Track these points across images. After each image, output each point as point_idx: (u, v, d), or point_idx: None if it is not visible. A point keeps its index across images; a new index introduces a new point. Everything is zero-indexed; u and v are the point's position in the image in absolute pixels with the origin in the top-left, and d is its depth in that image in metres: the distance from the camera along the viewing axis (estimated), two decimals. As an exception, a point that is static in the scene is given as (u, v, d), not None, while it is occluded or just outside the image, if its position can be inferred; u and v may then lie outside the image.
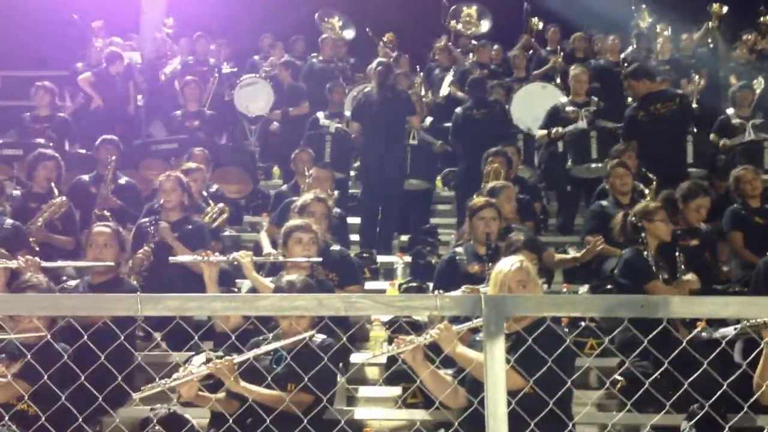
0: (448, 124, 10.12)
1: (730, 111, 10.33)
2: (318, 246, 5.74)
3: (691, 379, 3.23)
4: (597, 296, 5.39)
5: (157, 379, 4.24)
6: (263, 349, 4.45)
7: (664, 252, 6.29)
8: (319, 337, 4.70)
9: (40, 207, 7.51)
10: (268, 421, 3.51)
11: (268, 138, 11.84)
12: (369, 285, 7.49)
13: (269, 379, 4.24)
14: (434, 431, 5.08)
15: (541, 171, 10.33)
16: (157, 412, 5.00)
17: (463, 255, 6.30)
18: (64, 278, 6.48)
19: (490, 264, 5.44)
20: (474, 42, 13.47)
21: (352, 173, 10.50)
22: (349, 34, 13.84)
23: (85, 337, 3.06)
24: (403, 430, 5.52)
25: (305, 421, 3.54)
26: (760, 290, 6.12)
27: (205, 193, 8.21)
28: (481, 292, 5.02)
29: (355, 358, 6.04)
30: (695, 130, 9.64)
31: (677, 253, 6.33)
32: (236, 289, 6.86)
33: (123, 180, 8.50)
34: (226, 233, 8.66)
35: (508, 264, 4.32)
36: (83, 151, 10.09)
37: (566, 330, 5.48)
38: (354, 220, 9.19)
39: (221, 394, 4.66)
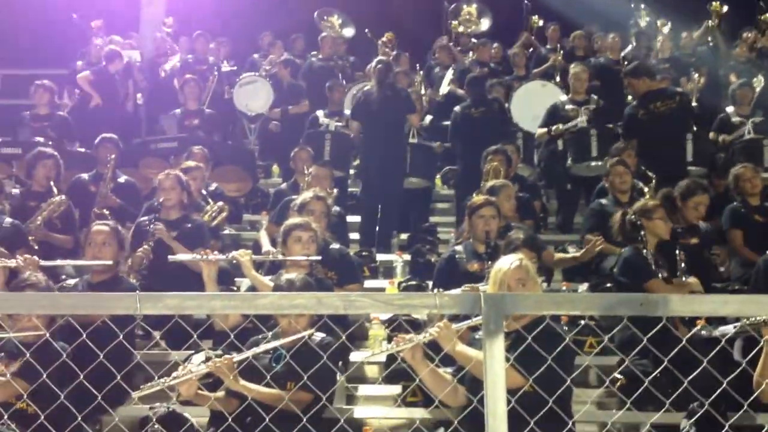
0: (448, 123, 10.11)
1: (729, 109, 10.33)
2: (317, 244, 5.74)
3: (691, 377, 3.23)
4: (596, 294, 5.40)
5: (156, 378, 4.24)
6: (262, 347, 4.45)
7: (663, 250, 6.28)
8: (319, 336, 4.70)
9: (40, 206, 7.50)
10: (267, 419, 3.51)
11: (268, 136, 11.83)
12: (368, 283, 7.49)
13: (268, 377, 4.24)
14: (434, 430, 5.08)
15: (540, 169, 10.32)
16: (157, 410, 5.00)
17: (462, 253, 6.30)
18: (64, 277, 6.48)
19: (490, 262, 5.44)
20: (474, 40, 13.46)
21: (352, 172, 10.49)
22: (349, 32, 13.83)
23: (84, 335, 3.06)
24: (402, 428, 5.52)
25: (304, 420, 3.54)
26: (759, 288, 6.12)
27: (204, 192, 8.20)
28: (480, 290, 5.02)
29: (355, 356, 6.04)
30: (695, 128, 9.64)
31: (677, 252, 6.33)
32: (235, 288, 6.87)
33: (122, 178, 8.49)
34: (226, 232, 8.65)
35: (507, 262, 4.32)
36: (83, 149, 10.08)
37: (566, 328, 5.48)
38: (353, 218, 9.19)
39: (220, 393, 4.66)
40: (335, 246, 6.37)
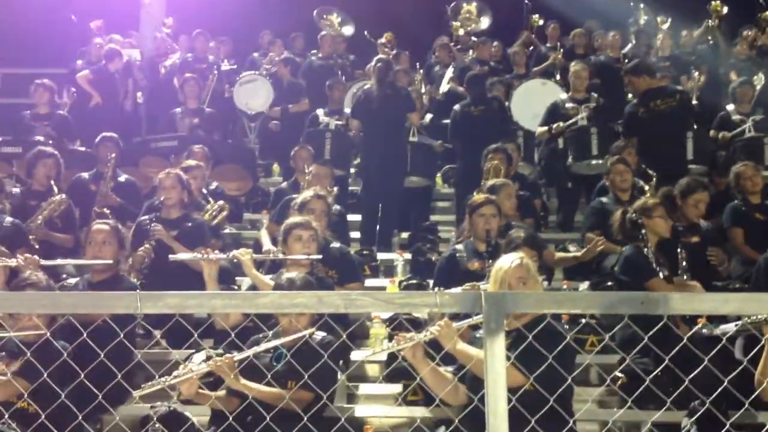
0: (448, 121, 10.11)
1: (730, 107, 10.33)
2: (318, 243, 5.74)
3: (692, 375, 3.22)
4: (597, 293, 5.39)
5: (157, 377, 4.24)
6: (263, 346, 4.45)
7: (664, 249, 6.28)
8: (319, 335, 4.69)
9: (40, 205, 7.50)
10: (268, 418, 3.51)
11: (268, 135, 11.83)
12: (369, 282, 7.48)
13: (269, 376, 4.24)
14: (434, 428, 5.07)
15: (541, 168, 10.32)
16: (158, 409, 4.99)
17: (463, 252, 6.30)
18: (64, 276, 6.48)
19: (490, 261, 5.44)
20: (474, 39, 13.45)
21: (352, 170, 10.48)
22: (348, 30, 13.82)
23: (85, 335, 3.05)
24: (403, 427, 5.51)
25: (305, 419, 3.54)
26: (760, 286, 6.11)
27: (204, 191, 8.20)
28: (481, 289, 5.02)
29: (356, 355, 6.04)
30: (695, 126, 9.63)
31: (678, 250, 6.32)
32: (236, 287, 6.86)
33: (123, 177, 8.49)
34: (226, 231, 8.65)
35: (508, 261, 4.32)
36: (83, 148, 10.08)
37: (566, 327, 5.47)
38: (354, 217, 9.19)
39: (221, 392, 4.66)
40: (336, 245, 6.37)
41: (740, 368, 3.59)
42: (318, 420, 4.20)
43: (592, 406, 5.52)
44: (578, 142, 9.35)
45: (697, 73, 11.38)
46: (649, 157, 8.40)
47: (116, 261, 5.92)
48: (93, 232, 5.91)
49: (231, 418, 3.75)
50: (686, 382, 3.21)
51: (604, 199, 7.78)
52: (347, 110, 10.43)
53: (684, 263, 6.25)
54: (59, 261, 6.39)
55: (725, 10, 12.73)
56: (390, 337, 5.93)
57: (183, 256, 5.89)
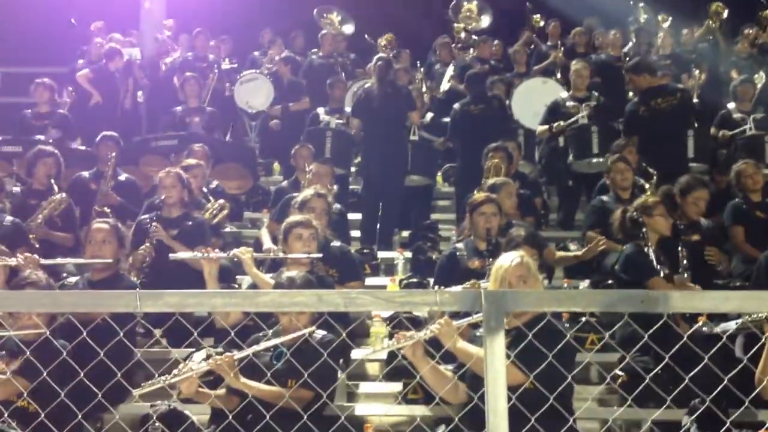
0: (448, 120, 10.10)
1: (731, 105, 10.32)
2: (318, 242, 5.74)
3: (692, 374, 3.22)
4: (597, 291, 5.39)
5: (157, 376, 4.23)
6: (263, 345, 4.45)
7: (664, 247, 6.27)
8: (320, 333, 4.69)
9: (40, 204, 7.50)
10: (268, 417, 3.51)
11: (269, 134, 11.82)
12: (369, 281, 7.48)
13: (269, 375, 4.24)
14: (435, 427, 5.07)
15: (541, 166, 10.32)
16: (158, 408, 4.99)
17: (463, 251, 6.29)
18: (65, 275, 6.48)
19: (491, 259, 5.44)
20: (474, 37, 13.45)
21: (353, 169, 10.48)
22: (349, 29, 13.81)
23: (84, 334, 3.05)
24: (403, 425, 5.51)
25: (305, 418, 3.54)
26: (761, 284, 6.10)
27: (205, 190, 8.20)
28: (481, 287, 5.02)
29: (356, 353, 6.04)
30: (696, 125, 9.62)
31: (679, 249, 6.32)
32: (236, 286, 6.86)
33: (123, 176, 8.49)
34: (227, 229, 8.65)
35: (508, 259, 4.31)
36: (83, 147, 10.08)
37: (567, 325, 5.48)
38: (355, 216, 9.19)
39: (221, 391, 4.66)
40: (336, 243, 6.37)
41: (740, 366, 3.59)
42: (318, 419, 4.20)
43: (593, 405, 5.52)
44: (579, 140, 9.34)
45: (697, 72, 11.37)
46: (650, 155, 8.40)
47: (116, 260, 5.92)
48: (93, 231, 5.91)
49: (231, 417, 3.75)
50: (686, 381, 3.21)
51: (604, 198, 7.77)
52: (348, 109, 10.42)
53: (684, 262, 6.24)
54: (59, 260, 6.40)
55: (725, 13, 12.73)
56: (390, 336, 5.93)
57: (183, 255, 5.89)
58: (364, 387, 6.03)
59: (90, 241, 5.89)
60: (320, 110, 10.53)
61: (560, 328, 4.13)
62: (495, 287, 4.24)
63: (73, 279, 6.06)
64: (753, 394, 3.58)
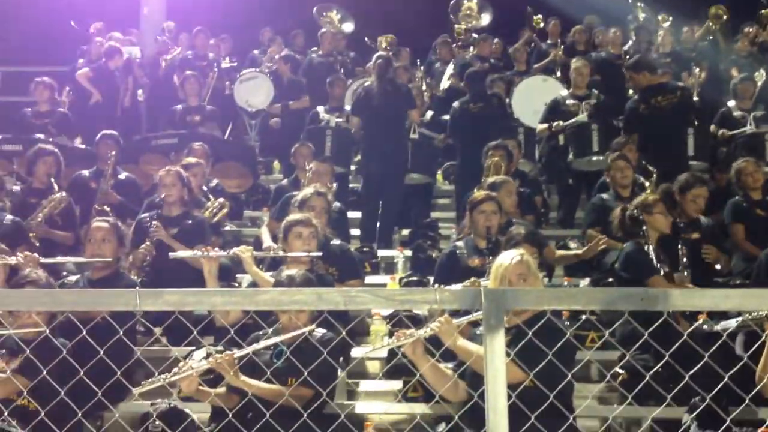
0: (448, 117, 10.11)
1: (731, 103, 10.31)
2: (318, 240, 5.74)
3: (692, 372, 3.22)
4: (597, 289, 5.39)
5: (157, 374, 4.23)
6: (263, 343, 4.45)
7: (664, 245, 6.27)
8: (320, 332, 4.69)
9: (40, 202, 7.50)
10: (267, 415, 3.51)
11: (268, 132, 11.82)
12: (369, 279, 7.49)
13: (269, 373, 4.24)
14: (435, 425, 5.07)
15: (541, 164, 10.31)
16: (158, 406, 4.99)
17: (463, 249, 6.29)
18: (65, 274, 6.48)
19: (491, 258, 5.44)
20: (474, 35, 13.44)
21: (353, 167, 10.48)
22: (348, 27, 13.80)
23: (84, 332, 3.05)
24: (403, 423, 5.51)
25: (305, 416, 3.54)
26: (761, 282, 6.10)
27: (205, 188, 8.19)
28: (481, 285, 5.01)
29: (356, 351, 6.04)
30: (696, 123, 9.62)
31: (679, 246, 6.31)
32: (237, 284, 6.86)
33: (123, 175, 8.49)
34: (227, 228, 8.65)
35: (508, 257, 4.31)
36: (83, 146, 10.08)
37: (567, 323, 5.47)
38: (354, 214, 9.18)
39: (221, 389, 4.66)
40: (336, 242, 6.37)
41: (741, 364, 3.58)
42: (318, 417, 4.20)
43: (593, 403, 5.52)
44: (579, 138, 9.34)
45: (697, 70, 11.36)
46: (650, 153, 8.40)
47: (116, 258, 5.92)
48: (92, 229, 5.91)
49: (231, 415, 3.75)
50: (686, 379, 3.21)
51: (604, 196, 7.77)
52: (348, 107, 10.42)
53: (684, 260, 6.24)
54: (59, 259, 6.40)
55: (725, 17, 12.73)
56: (390, 334, 5.92)
57: (183, 253, 5.88)
58: (364, 385, 6.03)
59: (90, 239, 5.88)
60: (320, 109, 10.52)
61: (560, 326, 4.14)
62: (495, 285, 4.24)
63: (73, 278, 6.06)
64: (753, 392, 3.57)
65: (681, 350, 3.19)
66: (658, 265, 6.04)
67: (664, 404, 3.58)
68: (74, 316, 3.15)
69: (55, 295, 3.03)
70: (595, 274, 7.19)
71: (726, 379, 3.16)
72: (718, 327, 5.29)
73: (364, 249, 8.30)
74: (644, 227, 6.18)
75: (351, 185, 10.21)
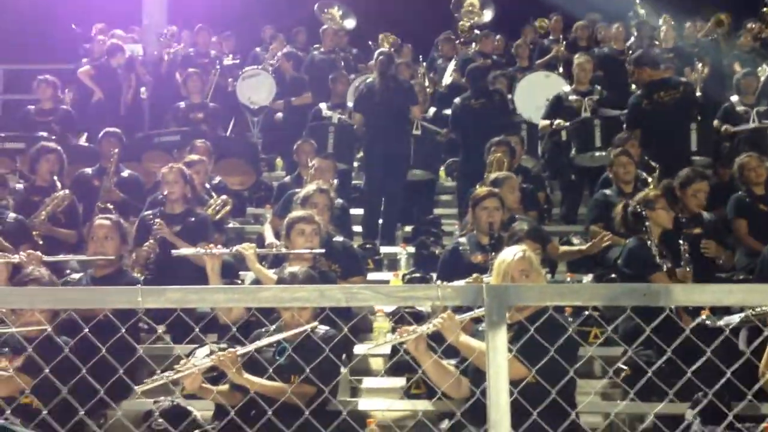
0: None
1: (734, 98, 10.29)
2: (321, 237, 5.73)
3: (695, 367, 3.21)
4: (600, 285, 5.39)
5: (160, 372, 4.24)
6: (266, 340, 4.45)
7: (667, 240, 6.27)
8: (322, 329, 4.69)
9: (43, 200, 7.51)
10: (270, 412, 3.50)
11: (271, 129, 11.82)
12: (372, 276, 7.48)
13: (271, 370, 4.24)
14: (438, 422, 5.07)
15: (544, 160, 10.31)
16: (161, 404, 5.00)
17: (466, 245, 6.29)
18: (68, 271, 6.49)
19: (494, 254, 5.43)
20: (477, 32, 13.43)
21: (356, 164, 10.47)
22: (350, 23, 13.78)
23: (86, 330, 3.05)
24: (406, 420, 5.51)
25: (308, 413, 3.53)
26: (764, 278, 6.10)
27: (207, 185, 8.20)
28: (484, 281, 5.01)
29: (358, 348, 6.04)
30: (699, 118, 9.60)
31: (681, 242, 6.31)
32: (240, 281, 6.86)
33: (126, 173, 8.50)
34: (230, 225, 8.65)
35: (510, 253, 4.31)
36: (86, 144, 10.08)
37: (570, 319, 5.47)
38: (357, 211, 9.18)
39: (224, 387, 4.66)
40: (339, 238, 6.37)
41: (743, 360, 3.58)
42: (321, 414, 4.19)
43: (595, 399, 5.52)
44: (581, 134, 9.33)
45: (700, 65, 11.33)
46: (653, 148, 8.39)
47: (119, 256, 5.92)
48: (95, 227, 5.91)
49: (234, 413, 3.75)
50: (689, 374, 3.20)
51: (607, 191, 7.77)
52: (350, 104, 10.41)
53: (687, 255, 6.23)
54: (62, 257, 6.41)
55: (727, 22, 12.71)
56: (393, 331, 5.93)
57: (186, 251, 5.89)
58: (367, 382, 6.03)
59: (93, 237, 5.89)
60: (322, 105, 10.51)
61: (563, 322, 4.13)
62: (497, 281, 4.23)
63: (76, 275, 6.07)
64: (755, 387, 3.57)
65: (684, 346, 3.19)
66: (661, 261, 6.04)
67: (667, 400, 3.57)
68: (77, 314, 3.16)
69: (57, 292, 3.04)
70: (599, 270, 7.19)
71: (728, 375, 3.16)
72: (721, 322, 5.28)
73: (367, 246, 8.30)
74: (647, 223, 6.17)
75: (354, 182, 10.21)
